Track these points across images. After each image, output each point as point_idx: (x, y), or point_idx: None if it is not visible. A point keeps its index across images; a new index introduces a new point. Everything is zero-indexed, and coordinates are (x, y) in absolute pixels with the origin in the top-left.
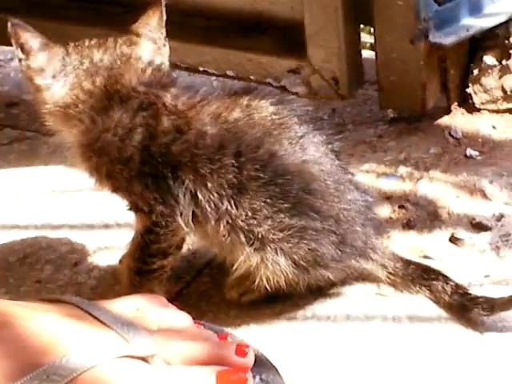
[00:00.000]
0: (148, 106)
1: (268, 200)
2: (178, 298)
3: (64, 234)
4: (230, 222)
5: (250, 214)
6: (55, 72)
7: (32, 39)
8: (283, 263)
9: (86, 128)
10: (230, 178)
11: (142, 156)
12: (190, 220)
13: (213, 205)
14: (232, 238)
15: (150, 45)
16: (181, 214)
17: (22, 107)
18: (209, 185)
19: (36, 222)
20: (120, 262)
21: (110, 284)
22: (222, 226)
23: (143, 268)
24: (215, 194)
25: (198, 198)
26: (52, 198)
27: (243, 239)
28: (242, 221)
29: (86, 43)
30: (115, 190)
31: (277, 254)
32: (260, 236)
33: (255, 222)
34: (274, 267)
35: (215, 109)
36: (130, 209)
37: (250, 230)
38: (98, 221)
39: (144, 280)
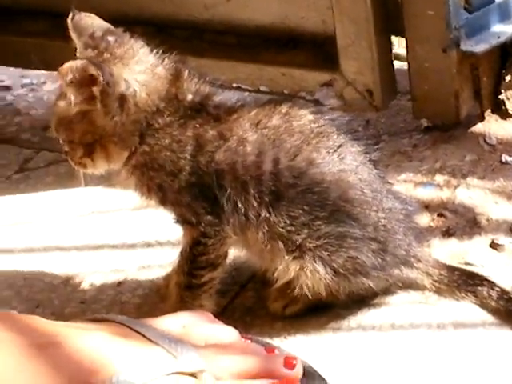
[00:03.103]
0: (196, 114)
1: (305, 207)
2: (223, 314)
3: (106, 254)
4: (269, 228)
5: (288, 221)
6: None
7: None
8: (322, 271)
9: (149, 147)
10: (269, 184)
11: (191, 167)
12: (237, 227)
13: (253, 212)
14: (271, 245)
15: None
16: (227, 222)
17: None
18: (249, 191)
19: (77, 244)
20: (164, 280)
21: (154, 302)
22: (260, 232)
23: (193, 282)
24: (254, 201)
25: (238, 205)
26: (92, 219)
27: (282, 246)
28: (281, 228)
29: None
30: (164, 202)
31: (315, 261)
32: (298, 243)
33: (293, 229)
34: (313, 275)
35: (254, 115)
36: (177, 221)
37: (288, 237)
38: (140, 240)
39: (194, 295)
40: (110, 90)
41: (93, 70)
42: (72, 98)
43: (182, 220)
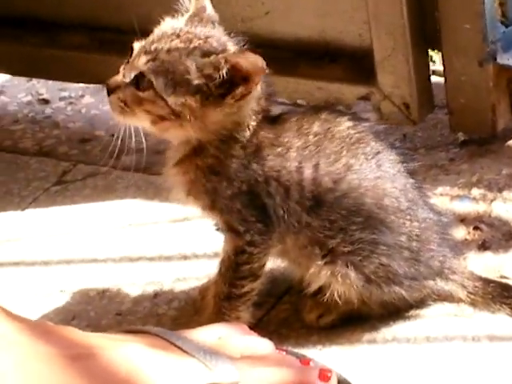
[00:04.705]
0: (260, 120)
1: (343, 212)
2: (258, 325)
3: (142, 266)
4: (308, 233)
5: (327, 225)
6: None
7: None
8: (353, 276)
9: (220, 152)
10: (310, 189)
11: (246, 173)
12: (281, 235)
13: (295, 217)
14: (309, 250)
15: None
16: (275, 230)
17: (95, 143)
18: (291, 197)
19: (114, 256)
20: (200, 292)
21: (190, 314)
22: (301, 237)
23: (233, 292)
24: (297, 206)
25: (283, 211)
26: (129, 232)
27: (317, 251)
28: (320, 232)
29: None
30: (212, 207)
31: (347, 266)
32: (331, 248)
33: (330, 234)
34: (344, 280)
35: (297, 122)
36: (221, 229)
37: (324, 241)
38: (176, 252)
39: (233, 306)
40: (247, 98)
41: (258, 77)
42: (217, 76)
43: (226, 228)
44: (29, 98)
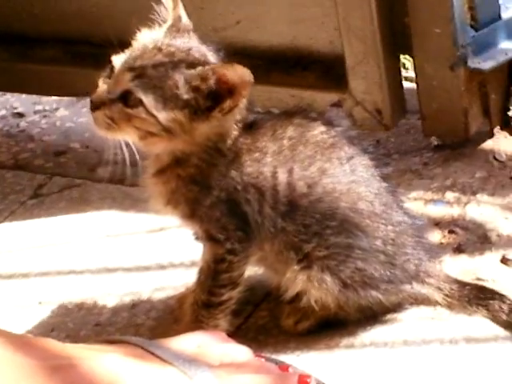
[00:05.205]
0: (240, 126)
1: (317, 216)
2: (236, 333)
3: (120, 277)
4: (284, 238)
5: (302, 229)
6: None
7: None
8: (329, 281)
9: (202, 162)
10: (284, 194)
11: (225, 182)
12: (259, 241)
13: (270, 222)
14: (285, 255)
15: None
16: (255, 238)
17: (70, 155)
18: (267, 202)
19: (91, 267)
20: (177, 301)
21: (168, 324)
22: (276, 243)
23: (211, 300)
24: (272, 211)
25: (260, 216)
26: (106, 243)
27: (293, 256)
28: (295, 236)
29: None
30: (192, 215)
31: (322, 271)
32: (306, 252)
33: (305, 238)
34: (320, 285)
35: (271, 127)
36: (200, 238)
37: (299, 246)
38: (153, 263)
39: (211, 314)
40: (234, 111)
41: (245, 90)
42: (204, 88)
43: (206, 236)
44: (3, 112)
